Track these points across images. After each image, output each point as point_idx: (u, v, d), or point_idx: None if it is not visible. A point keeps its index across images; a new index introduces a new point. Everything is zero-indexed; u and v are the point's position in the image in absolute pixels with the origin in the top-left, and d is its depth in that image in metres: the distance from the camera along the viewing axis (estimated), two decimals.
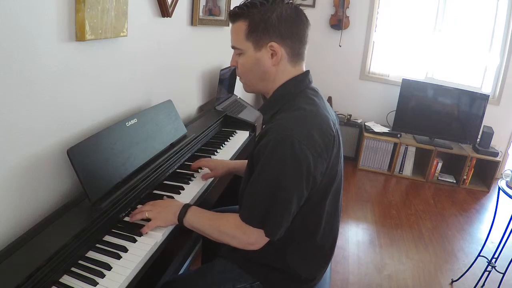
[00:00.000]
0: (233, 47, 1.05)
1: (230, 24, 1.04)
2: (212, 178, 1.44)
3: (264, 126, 1.10)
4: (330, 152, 0.98)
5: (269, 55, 1.00)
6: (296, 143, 0.90)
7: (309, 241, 1.07)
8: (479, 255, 2.13)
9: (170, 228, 1.10)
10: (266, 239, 0.99)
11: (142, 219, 1.08)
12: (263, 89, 1.08)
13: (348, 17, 3.80)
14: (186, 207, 1.08)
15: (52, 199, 1.08)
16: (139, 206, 1.14)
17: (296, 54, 1.03)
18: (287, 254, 1.06)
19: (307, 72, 1.07)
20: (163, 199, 1.20)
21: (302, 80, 1.05)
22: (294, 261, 1.07)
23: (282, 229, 0.97)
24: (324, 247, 1.11)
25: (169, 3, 1.56)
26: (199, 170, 1.45)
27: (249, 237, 0.99)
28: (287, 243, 1.04)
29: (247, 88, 1.11)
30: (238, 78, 1.11)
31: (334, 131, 1.01)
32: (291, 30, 0.99)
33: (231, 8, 1.03)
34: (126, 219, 1.11)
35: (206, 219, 1.06)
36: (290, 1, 1.01)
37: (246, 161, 1.46)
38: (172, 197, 1.24)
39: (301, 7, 1.03)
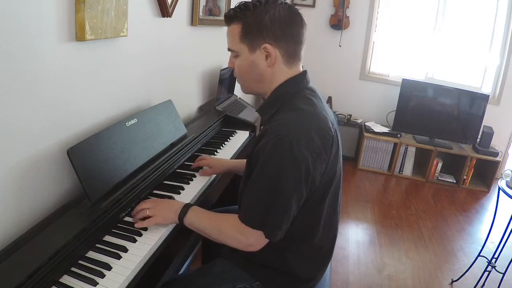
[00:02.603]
0: (229, 49, 1.05)
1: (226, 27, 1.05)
2: (213, 177, 1.45)
3: (262, 127, 1.10)
4: (329, 152, 0.98)
5: (263, 57, 1.00)
6: (294, 144, 0.90)
7: (308, 241, 1.07)
8: (479, 255, 2.13)
9: (170, 229, 1.10)
10: (266, 241, 0.99)
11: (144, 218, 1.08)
12: (260, 90, 1.08)
13: (348, 17, 3.80)
14: (187, 207, 1.08)
15: (52, 199, 1.08)
16: (133, 214, 1.14)
17: (292, 55, 1.02)
18: (287, 254, 1.06)
19: (305, 72, 1.07)
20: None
21: (300, 80, 1.05)
22: (294, 261, 1.07)
23: (282, 230, 0.97)
24: (323, 247, 1.11)
25: (169, 3, 1.56)
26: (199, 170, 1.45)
27: (248, 238, 0.99)
28: (287, 244, 1.04)
29: (245, 90, 1.11)
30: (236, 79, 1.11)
31: (333, 131, 1.01)
32: (285, 31, 0.99)
33: (226, 11, 1.04)
34: (126, 219, 1.11)
35: (206, 219, 1.06)
36: (284, 2, 1.01)
37: (244, 160, 1.47)
38: (172, 197, 1.24)
39: (298, 7, 1.03)
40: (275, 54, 0.99)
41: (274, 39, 0.98)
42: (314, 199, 1.01)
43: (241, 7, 1.00)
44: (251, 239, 0.99)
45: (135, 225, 1.06)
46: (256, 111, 1.15)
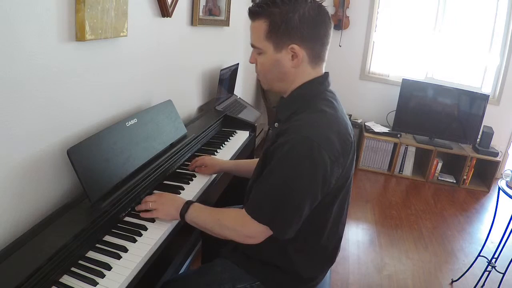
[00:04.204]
0: (252, 46, 1.02)
1: (250, 21, 1.00)
2: (213, 177, 1.45)
3: (276, 123, 1.08)
4: (346, 158, 0.97)
5: (289, 57, 0.97)
6: (315, 146, 0.89)
7: (314, 241, 1.07)
8: (479, 255, 2.13)
9: (170, 229, 1.10)
10: (267, 234, 0.98)
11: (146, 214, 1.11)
12: (281, 89, 1.06)
13: (348, 17, 3.80)
14: (188, 203, 1.09)
15: (52, 199, 1.08)
16: (136, 207, 1.15)
17: (317, 56, 1.00)
18: (291, 253, 1.05)
19: (327, 74, 1.05)
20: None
21: (322, 82, 1.03)
22: (297, 260, 1.06)
23: (292, 229, 0.96)
24: (328, 248, 1.11)
25: (169, 3, 1.56)
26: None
27: (248, 230, 0.98)
28: (292, 243, 1.03)
29: (265, 87, 1.09)
30: (256, 75, 1.08)
31: (352, 136, 1.00)
32: (313, 32, 0.96)
33: (250, 5, 0.99)
34: (126, 219, 1.11)
35: (207, 214, 1.06)
36: (313, 0, 0.97)
37: (241, 161, 1.46)
38: None
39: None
40: (301, 55, 0.97)
41: (302, 40, 0.95)
42: (325, 201, 1.00)
43: (268, 2, 0.95)
44: (251, 231, 0.98)
45: (140, 215, 1.10)
46: (273, 107, 1.15)
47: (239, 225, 1.00)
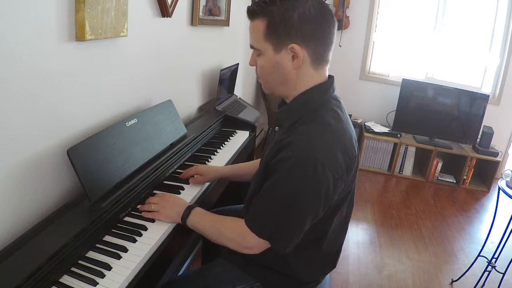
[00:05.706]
0: (251, 47, 0.98)
1: (249, 22, 0.96)
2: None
3: (277, 127, 1.05)
4: (350, 173, 0.95)
5: (289, 58, 0.93)
6: (319, 165, 0.87)
7: (314, 249, 1.06)
8: (479, 255, 2.13)
9: (170, 229, 1.10)
10: (265, 247, 0.98)
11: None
12: (283, 92, 1.01)
13: (348, 17, 3.80)
14: (190, 208, 1.09)
15: (52, 199, 1.08)
16: (139, 206, 1.15)
17: (320, 57, 0.95)
18: (291, 260, 1.05)
19: (332, 79, 1.01)
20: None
21: (327, 88, 0.99)
22: (297, 265, 1.06)
23: (292, 245, 0.96)
24: (329, 254, 1.11)
25: (169, 3, 1.56)
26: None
27: (247, 242, 0.98)
28: (291, 251, 1.01)
29: (266, 91, 1.05)
30: (257, 78, 1.04)
31: (356, 149, 0.98)
32: (314, 31, 0.91)
33: (249, 5, 0.96)
34: (126, 219, 1.11)
35: (207, 221, 1.06)
36: None
37: (239, 166, 1.43)
38: None
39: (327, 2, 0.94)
40: (302, 55, 0.92)
41: (303, 39, 0.91)
42: (326, 214, 0.98)
43: (266, 1, 0.90)
44: (250, 243, 0.98)
45: (142, 214, 1.11)
46: (275, 112, 1.11)
47: (238, 236, 0.99)
